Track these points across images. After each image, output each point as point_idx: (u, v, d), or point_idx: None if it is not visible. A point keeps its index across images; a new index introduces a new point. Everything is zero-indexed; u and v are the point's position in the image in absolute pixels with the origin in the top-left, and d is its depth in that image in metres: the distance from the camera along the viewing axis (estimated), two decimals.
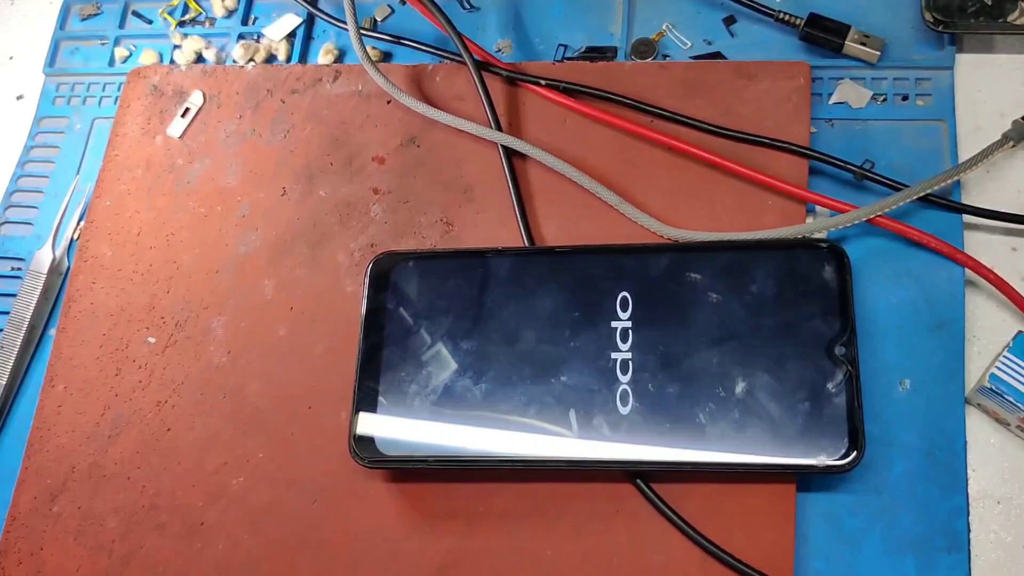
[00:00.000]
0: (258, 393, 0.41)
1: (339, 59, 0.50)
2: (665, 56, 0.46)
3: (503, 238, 0.42)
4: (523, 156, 0.43)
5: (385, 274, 0.40)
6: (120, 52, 0.52)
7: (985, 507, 0.36)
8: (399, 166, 0.45)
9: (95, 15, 0.54)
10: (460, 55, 0.45)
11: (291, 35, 0.50)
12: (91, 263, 0.46)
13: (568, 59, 0.46)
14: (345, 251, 0.44)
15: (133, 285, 0.45)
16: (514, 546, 0.37)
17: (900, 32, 0.44)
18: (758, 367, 0.36)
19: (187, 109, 0.48)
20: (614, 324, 0.38)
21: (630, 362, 0.37)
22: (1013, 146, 0.40)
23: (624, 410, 0.36)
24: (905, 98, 0.43)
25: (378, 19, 0.50)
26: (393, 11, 0.50)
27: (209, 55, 0.51)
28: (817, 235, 0.39)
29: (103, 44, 0.53)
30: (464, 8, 0.49)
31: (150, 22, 0.53)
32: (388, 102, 0.46)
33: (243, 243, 0.45)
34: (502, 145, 0.43)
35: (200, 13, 0.52)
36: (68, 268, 0.47)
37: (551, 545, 0.37)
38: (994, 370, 0.36)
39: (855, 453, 0.34)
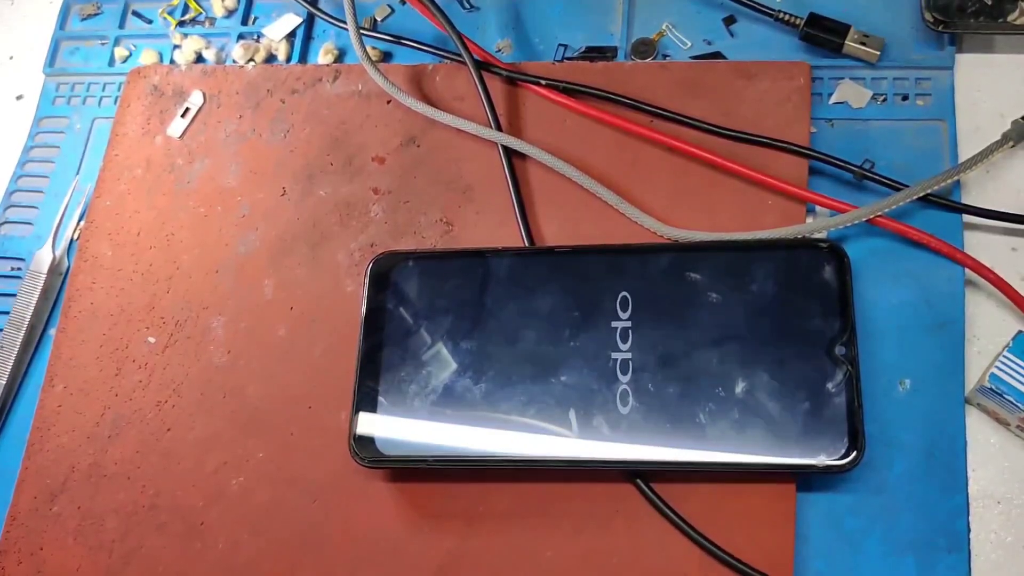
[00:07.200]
0: (258, 393, 0.41)
1: (339, 59, 0.50)
2: (665, 56, 0.46)
3: (503, 238, 0.42)
4: (523, 156, 0.43)
5: (385, 274, 0.40)
6: (120, 52, 0.52)
7: (985, 507, 0.36)
8: (399, 166, 0.45)
9: (95, 15, 0.54)
10: (460, 55, 0.45)
11: (291, 35, 0.50)
12: (91, 263, 0.46)
13: (568, 59, 0.46)
14: (345, 251, 0.44)
15: (133, 285, 0.45)
16: (514, 546, 0.37)
17: (900, 32, 0.44)
18: (758, 367, 0.36)
19: (187, 109, 0.48)
20: (614, 324, 0.38)
21: (630, 362, 0.37)
22: (1013, 146, 0.40)
23: (624, 410, 0.36)
24: (905, 98, 0.43)
25: (378, 19, 0.50)
26: (393, 11, 0.50)
27: (209, 55, 0.51)
28: (817, 235, 0.39)
29: (103, 44, 0.53)
30: (464, 8, 0.49)
31: (150, 22, 0.53)
32: (388, 102, 0.46)
33: (243, 243, 0.45)
34: (502, 145, 0.43)
35: (200, 13, 0.52)
36: (68, 268, 0.47)
37: (551, 545, 0.37)
38: (994, 370, 0.36)
39: (855, 453, 0.34)
